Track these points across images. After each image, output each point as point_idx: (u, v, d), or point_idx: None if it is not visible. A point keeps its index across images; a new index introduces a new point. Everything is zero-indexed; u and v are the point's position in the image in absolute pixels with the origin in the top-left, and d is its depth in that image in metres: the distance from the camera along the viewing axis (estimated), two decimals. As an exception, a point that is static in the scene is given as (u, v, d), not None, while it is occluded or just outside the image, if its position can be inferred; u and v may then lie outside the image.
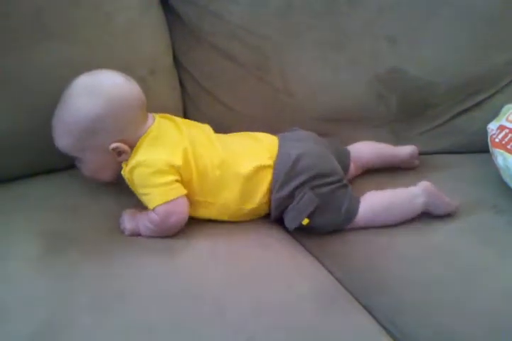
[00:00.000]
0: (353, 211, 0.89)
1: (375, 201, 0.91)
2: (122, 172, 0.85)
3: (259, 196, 0.88)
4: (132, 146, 0.84)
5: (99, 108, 0.81)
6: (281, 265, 0.82)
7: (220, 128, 0.97)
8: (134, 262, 0.79)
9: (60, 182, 0.92)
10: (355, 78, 1.07)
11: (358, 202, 0.90)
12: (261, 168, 0.88)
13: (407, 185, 0.93)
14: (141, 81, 0.96)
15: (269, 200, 0.89)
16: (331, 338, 0.70)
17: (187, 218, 0.84)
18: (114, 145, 0.83)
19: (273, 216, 0.91)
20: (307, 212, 0.87)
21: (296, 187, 0.87)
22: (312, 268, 0.85)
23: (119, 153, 0.84)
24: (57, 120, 0.84)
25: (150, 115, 0.89)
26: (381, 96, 1.08)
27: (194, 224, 0.85)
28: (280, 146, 0.91)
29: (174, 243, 0.83)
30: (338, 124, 1.08)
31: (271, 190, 0.88)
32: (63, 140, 0.84)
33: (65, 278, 0.74)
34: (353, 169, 1.00)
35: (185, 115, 1.09)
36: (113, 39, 0.94)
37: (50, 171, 0.94)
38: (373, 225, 0.90)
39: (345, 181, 0.92)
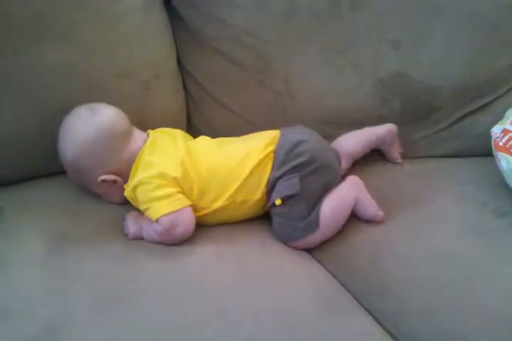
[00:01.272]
0: (316, 223, 0.87)
1: (334, 213, 0.89)
2: (125, 194, 0.87)
3: (263, 184, 0.89)
4: (124, 171, 0.87)
5: (73, 151, 0.86)
6: (283, 267, 0.82)
7: (223, 131, 0.98)
8: (136, 264, 0.79)
9: (64, 184, 0.93)
10: (359, 82, 1.07)
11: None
12: (264, 157, 0.88)
13: (413, 191, 0.95)
14: (145, 85, 0.98)
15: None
16: (333, 340, 0.70)
17: (193, 229, 0.84)
18: (100, 178, 0.87)
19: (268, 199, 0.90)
20: (284, 193, 0.87)
21: (291, 168, 0.87)
22: (314, 270, 0.85)
23: (111, 182, 0.87)
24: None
25: (143, 134, 0.91)
26: (385, 99, 1.08)
27: (196, 227, 0.85)
28: (282, 133, 0.92)
29: (177, 246, 0.83)
30: (341, 128, 1.08)
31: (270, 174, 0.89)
32: (70, 177, 0.92)
33: (68, 279, 0.75)
34: (344, 163, 1.00)
35: (189, 118, 1.10)
36: (116, 42, 0.94)
37: (54, 173, 0.94)
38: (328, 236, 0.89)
39: (335, 184, 0.91)
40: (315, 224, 0.87)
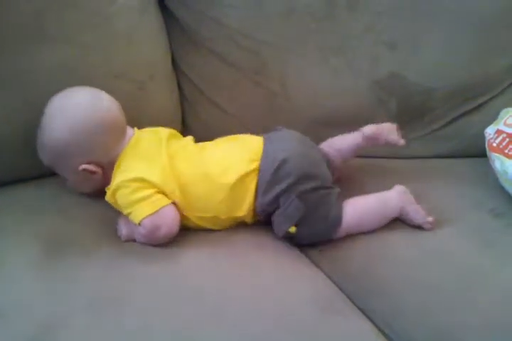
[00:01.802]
0: (338, 219, 0.87)
1: (358, 208, 0.89)
2: (106, 199, 0.85)
3: (247, 202, 0.86)
4: (108, 165, 0.85)
5: (64, 133, 0.83)
6: (280, 269, 0.82)
7: (217, 132, 0.97)
8: (132, 266, 0.78)
9: (58, 185, 0.92)
10: (355, 83, 1.07)
11: (341, 210, 0.87)
12: (246, 175, 0.85)
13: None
14: (140, 85, 0.98)
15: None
16: (330, 341, 0.70)
17: (178, 227, 0.83)
18: (82, 167, 0.85)
19: (261, 220, 0.89)
20: (294, 220, 0.85)
21: (282, 192, 0.85)
22: (310, 271, 0.84)
23: (90, 172, 0.85)
24: (37, 140, 0.86)
25: (130, 130, 0.89)
26: (381, 100, 1.08)
27: (190, 229, 0.85)
28: (265, 148, 0.88)
29: (173, 247, 0.83)
30: (336, 129, 1.07)
31: (256, 197, 0.87)
32: (43, 159, 0.88)
33: (64, 280, 0.74)
34: (337, 165, 0.97)
35: (183, 119, 1.09)
36: (112, 43, 0.94)
37: (51, 174, 0.93)
38: (353, 232, 0.89)
39: (331, 186, 0.89)
40: (336, 225, 0.87)
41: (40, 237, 0.81)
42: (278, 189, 0.85)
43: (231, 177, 0.85)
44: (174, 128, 0.98)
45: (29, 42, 0.87)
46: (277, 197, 0.85)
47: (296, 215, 0.85)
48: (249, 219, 0.89)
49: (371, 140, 0.97)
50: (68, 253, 0.79)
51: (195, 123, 1.10)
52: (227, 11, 1.02)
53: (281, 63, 1.05)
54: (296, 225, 0.85)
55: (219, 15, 1.02)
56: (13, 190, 0.93)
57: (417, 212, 0.89)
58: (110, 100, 0.87)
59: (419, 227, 0.89)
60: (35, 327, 0.67)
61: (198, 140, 0.95)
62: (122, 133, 0.87)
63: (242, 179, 0.85)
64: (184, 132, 1.02)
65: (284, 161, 0.85)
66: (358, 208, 0.89)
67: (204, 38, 1.04)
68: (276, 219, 0.87)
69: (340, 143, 0.98)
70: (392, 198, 0.90)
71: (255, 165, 0.86)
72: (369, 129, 0.96)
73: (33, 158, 0.88)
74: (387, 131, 0.97)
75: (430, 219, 0.88)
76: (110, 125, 0.85)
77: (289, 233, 0.86)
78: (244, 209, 0.87)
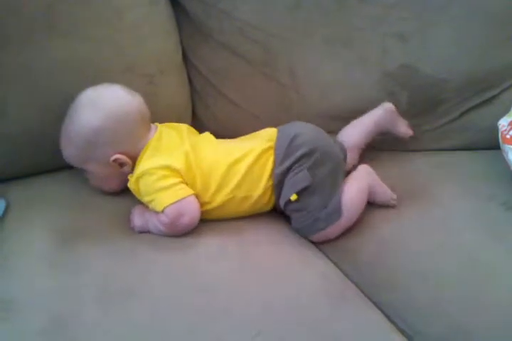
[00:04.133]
0: (339, 207, 0.88)
1: (354, 192, 0.90)
2: (129, 185, 0.86)
3: (264, 179, 0.88)
4: (134, 158, 0.87)
5: (99, 121, 0.84)
6: (291, 261, 0.83)
7: (228, 125, 0.97)
8: (143, 259, 0.79)
9: (73, 179, 0.93)
10: (366, 75, 1.07)
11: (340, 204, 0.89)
12: (262, 153, 0.89)
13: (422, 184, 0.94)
14: (150, 78, 0.98)
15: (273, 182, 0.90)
16: (342, 334, 0.70)
17: (198, 218, 0.85)
18: (114, 157, 0.86)
19: (276, 195, 0.90)
20: (298, 187, 0.87)
21: (295, 162, 0.87)
22: (322, 264, 0.85)
23: (120, 164, 0.87)
24: (63, 132, 0.87)
25: (153, 126, 0.91)
26: (392, 93, 1.07)
27: (202, 221, 0.85)
28: (279, 130, 0.93)
29: (184, 240, 0.83)
30: (346, 122, 1.07)
31: (273, 170, 0.89)
32: (67, 151, 0.88)
33: (76, 273, 0.75)
34: (351, 157, 0.99)
35: (194, 112, 1.09)
36: (122, 36, 0.94)
37: (63, 169, 0.94)
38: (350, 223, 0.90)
39: (341, 170, 0.92)
40: (338, 213, 0.87)
41: (53, 230, 0.82)
42: (292, 158, 0.87)
43: (248, 161, 0.88)
44: (185, 121, 1.00)
45: (40, 37, 0.87)
46: (291, 167, 0.88)
47: (301, 184, 0.87)
48: (265, 200, 0.90)
49: (389, 118, 1.02)
50: (80, 246, 0.80)
51: (206, 117, 1.10)
52: (237, 3, 1.02)
53: (291, 56, 1.05)
54: (298, 195, 0.87)
55: (229, 8, 1.02)
56: (27, 183, 0.94)
57: (383, 190, 0.93)
58: (138, 95, 0.89)
59: (429, 219, 0.89)
60: (47, 320, 0.68)
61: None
62: (149, 126, 0.90)
63: (258, 159, 0.88)
64: (194, 126, 1.02)
65: (297, 134, 0.89)
66: (354, 192, 0.90)
67: (214, 31, 1.04)
68: (283, 187, 0.88)
69: (351, 132, 1.02)
70: (364, 180, 0.93)
71: (270, 144, 0.90)
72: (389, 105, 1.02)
73: (51, 151, 0.89)
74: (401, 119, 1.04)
75: (394, 196, 0.93)
76: (142, 116, 0.88)
77: (289, 202, 0.87)
78: (261, 186, 0.89)
